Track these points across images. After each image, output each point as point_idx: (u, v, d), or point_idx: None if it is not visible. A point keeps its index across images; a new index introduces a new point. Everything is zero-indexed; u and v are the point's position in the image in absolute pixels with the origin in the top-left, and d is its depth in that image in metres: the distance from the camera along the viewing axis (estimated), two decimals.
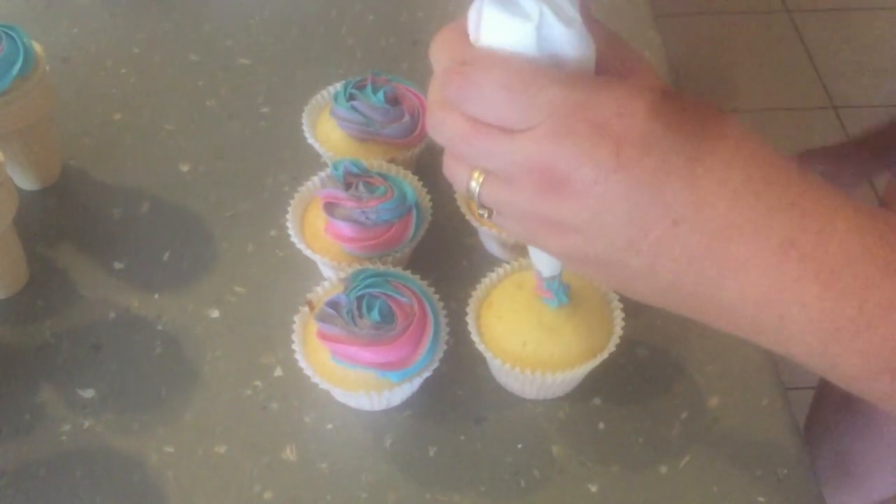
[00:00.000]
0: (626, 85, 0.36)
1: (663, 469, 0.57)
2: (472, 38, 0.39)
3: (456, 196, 0.66)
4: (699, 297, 0.37)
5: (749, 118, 2.02)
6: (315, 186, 0.66)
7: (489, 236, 0.65)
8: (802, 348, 0.36)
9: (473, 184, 0.39)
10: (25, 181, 0.71)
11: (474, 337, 0.57)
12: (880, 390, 0.35)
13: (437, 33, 0.39)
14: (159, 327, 0.64)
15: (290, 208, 0.64)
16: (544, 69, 0.36)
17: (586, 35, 0.37)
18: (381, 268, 0.59)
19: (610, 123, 0.35)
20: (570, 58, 0.37)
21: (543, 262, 0.52)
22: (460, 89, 0.37)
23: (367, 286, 0.56)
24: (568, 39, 0.37)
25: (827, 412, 1.05)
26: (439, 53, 0.39)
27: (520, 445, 0.58)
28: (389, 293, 0.56)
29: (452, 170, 0.40)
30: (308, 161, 0.72)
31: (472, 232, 0.68)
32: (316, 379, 0.56)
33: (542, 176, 0.36)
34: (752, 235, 0.34)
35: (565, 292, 0.55)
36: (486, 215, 0.41)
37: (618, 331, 0.58)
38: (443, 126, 0.39)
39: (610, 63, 0.38)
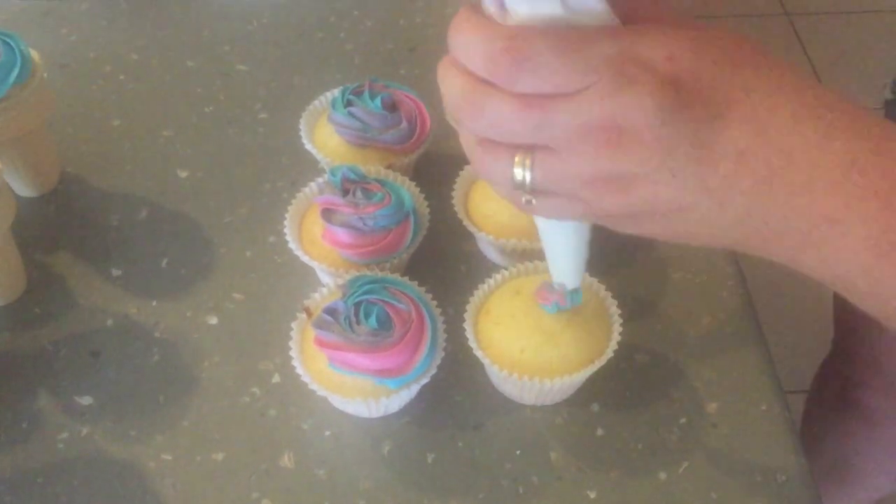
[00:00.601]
0: (664, 28, 0.36)
1: (662, 475, 0.57)
2: (497, 18, 0.38)
3: (454, 202, 0.66)
4: (768, 225, 0.38)
5: None
6: (312, 192, 0.66)
7: (487, 242, 0.65)
8: (855, 266, 0.37)
9: (518, 169, 0.39)
10: (23, 188, 0.71)
11: (472, 343, 0.57)
12: None
13: (455, 23, 0.38)
14: (157, 334, 0.64)
15: (287, 214, 0.64)
16: (586, 29, 0.36)
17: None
18: (378, 274, 0.59)
19: (663, 66, 0.35)
20: (597, 10, 0.37)
21: (569, 273, 0.52)
22: (513, 66, 0.36)
23: (364, 292, 0.56)
24: None
25: (823, 412, 1.05)
26: (469, 40, 0.38)
27: (518, 452, 0.58)
28: (387, 299, 0.56)
29: (489, 163, 0.39)
30: (306, 167, 0.72)
31: (470, 238, 0.68)
32: (313, 386, 0.56)
33: (605, 132, 0.36)
34: (816, 156, 0.35)
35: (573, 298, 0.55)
36: (532, 201, 0.40)
37: (616, 336, 0.58)
38: (483, 111, 0.38)
39: (637, 9, 0.38)
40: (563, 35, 0.36)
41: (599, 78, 0.36)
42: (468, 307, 0.59)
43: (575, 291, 0.54)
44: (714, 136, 0.36)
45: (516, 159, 0.39)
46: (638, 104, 0.35)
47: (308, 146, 0.69)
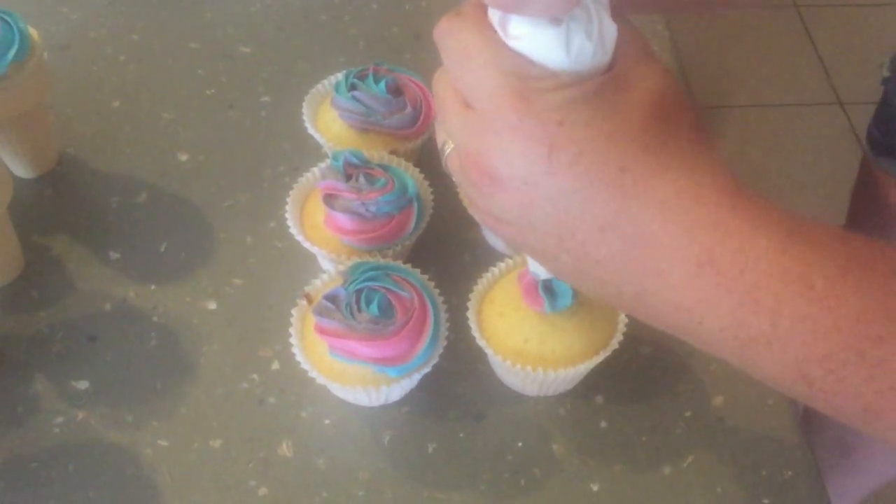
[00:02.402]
0: (582, 88, 0.36)
1: (667, 469, 0.56)
2: (498, 29, 0.38)
3: (458, 189, 0.65)
4: (624, 296, 0.38)
5: (755, 113, 2.01)
6: (315, 177, 0.65)
7: (490, 233, 0.64)
8: (722, 353, 0.37)
9: (446, 148, 0.41)
10: (21, 169, 0.70)
11: (475, 333, 0.56)
12: (799, 393, 0.36)
13: (454, 17, 0.39)
14: (155, 319, 0.63)
15: (289, 199, 0.63)
16: (512, 52, 0.37)
17: (609, 51, 0.38)
18: (380, 261, 0.58)
19: (549, 127, 0.35)
20: (595, 67, 0.37)
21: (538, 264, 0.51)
22: (439, 35, 0.39)
23: (366, 279, 0.55)
24: (590, 51, 0.37)
25: None
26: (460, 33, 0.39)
27: (520, 443, 0.57)
28: (389, 287, 0.55)
29: (436, 127, 0.42)
30: (308, 152, 0.71)
31: (475, 226, 0.67)
32: (313, 374, 0.55)
33: (477, 163, 0.37)
34: (671, 248, 0.35)
35: (563, 296, 0.54)
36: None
37: (621, 328, 0.57)
38: (436, 80, 0.41)
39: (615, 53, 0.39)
40: (481, 42, 0.37)
41: (487, 105, 0.37)
42: (471, 296, 0.58)
43: (555, 292, 0.54)
44: (577, 207, 0.36)
45: (448, 140, 0.41)
46: (506, 153, 0.36)
47: (311, 130, 0.68)
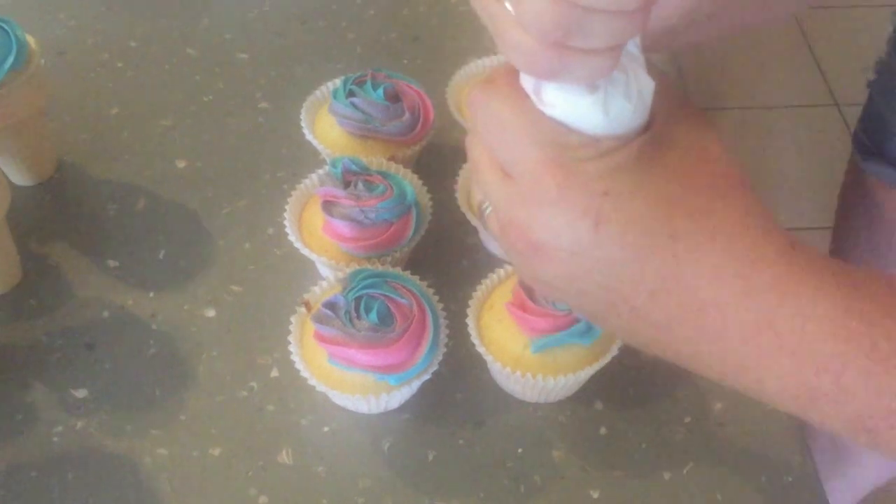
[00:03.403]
0: (623, 154, 0.35)
1: (666, 475, 0.56)
2: (532, 96, 0.37)
3: (457, 195, 0.65)
4: (680, 354, 0.38)
5: (751, 115, 2.01)
6: (313, 184, 0.65)
7: (491, 237, 0.64)
8: (784, 408, 0.37)
9: (485, 205, 0.40)
10: (19, 176, 0.70)
11: (474, 339, 0.56)
12: (860, 442, 0.36)
13: (487, 86, 0.38)
14: (154, 326, 0.63)
15: (287, 206, 0.63)
16: (548, 120, 0.35)
17: (648, 106, 0.36)
18: (379, 268, 0.58)
19: (593, 198, 0.35)
20: (632, 128, 0.36)
21: None
22: (472, 106, 0.38)
23: (365, 287, 0.55)
24: (628, 112, 0.35)
25: None
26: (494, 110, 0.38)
27: (520, 450, 0.57)
28: (388, 294, 0.55)
29: (473, 186, 0.41)
30: (307, 158, 0.71)
31: (473, 232, 0.67)
32: (313, 381, 0.55)
33: (522, 234, 0.36)
34: (729, 311, 0.35)
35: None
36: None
37: None
38: (469, 143, 0.39)
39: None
40: (519, 113, 0.36)
41: (527, 177, 0.36)
42: (471, 303, 0.58)
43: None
44: (628, 276, 0.35)
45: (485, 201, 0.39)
46: (552, 226, 0.35)
47: (309, 137, 0.68)
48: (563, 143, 0.35)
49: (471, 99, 0.38)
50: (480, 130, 0.38)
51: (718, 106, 2.03)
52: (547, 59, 0.33)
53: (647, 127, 0.36)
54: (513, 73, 0.37)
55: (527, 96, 0.36)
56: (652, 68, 0.36)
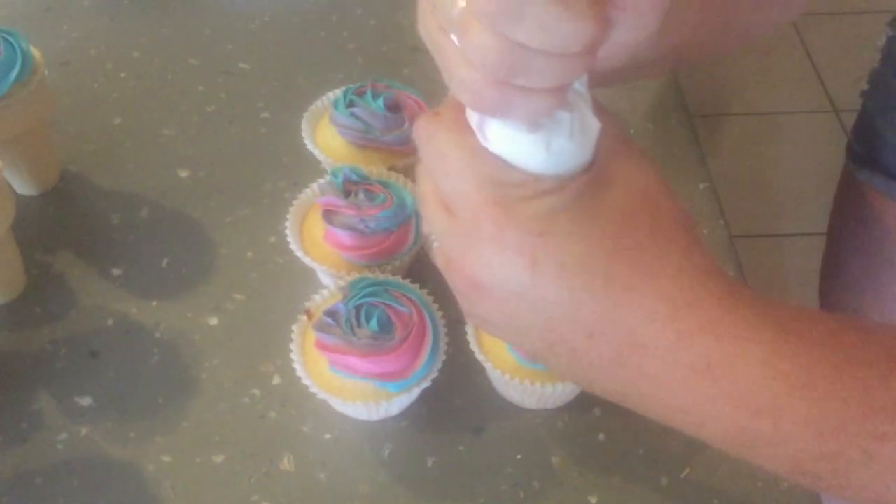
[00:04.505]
0: (562, 195, 0.35)
1: (664, 480, 0.57)
2: (476, 132, 0.36)
3: None
4: (620, 395, 0.38)
5: (750, 122, 2.02)
6: (314, 193, 0.65)
7: None
8: (727, 450, 0.37)
9: (432, 238, 0.40)
10: (24, 186, 0.71)
11: (473, 347, 0.57)
12: (807, 486, 0.36)
13: (432, 118, 0.38)
14: (157, 335, 0.63)
15: (289, 215, 0.64)
16: (490, 157, 0.35)
17: (592, 145, 0.36)
18: (380, 276, 0.59)
19: (530, 238, 0.34)
20: (577, 167, 0.36)
21: None
22: (417, 137, 0.38)
23: (365, 295, 0.55)
24: (571, 152, 0.35)
25: None
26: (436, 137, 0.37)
27: (519, 456, 0.58)
28: (388, 302, 0.55)
29: (422, 219, 0.41)
30: (308, 167, 0.72)
31: None
32: (314, 389, 0.55)
33: (461, 271, 0.36)
34: (665, 354, 0.35)
35: None
36: None
37: None
38: (418, 175, 0.40)
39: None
40: (456, 147, 0.36)
41: (475, 218, 0.35)
42: None
43: None
44: (564, 317, 0.35)
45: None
46: (488, 265, 0.35)
47: (310, 146, 0.69)
48: (502, 181, 0.35)
49: (416, 129, 0.38)
50: (424, 163, 0.38)
51: (717, 112, 2.04)
52: (491, 95, 0.32)
53: (589, 166, 0.36)
54: (459, 107, 0.36)
55: (471, 131, 0.36)
56: (598, 106, 0.36)
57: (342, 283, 0.58)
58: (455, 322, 0.60)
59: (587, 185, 0.35)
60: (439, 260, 0.39)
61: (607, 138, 0.36)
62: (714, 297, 0.35)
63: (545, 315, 0.35)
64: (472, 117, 0.36)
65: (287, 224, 0.63)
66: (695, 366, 0.34)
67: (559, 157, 0.35)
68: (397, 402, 0.56)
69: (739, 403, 0.34)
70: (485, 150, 0.35)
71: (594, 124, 0.35)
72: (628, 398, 0.38)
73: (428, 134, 0.37)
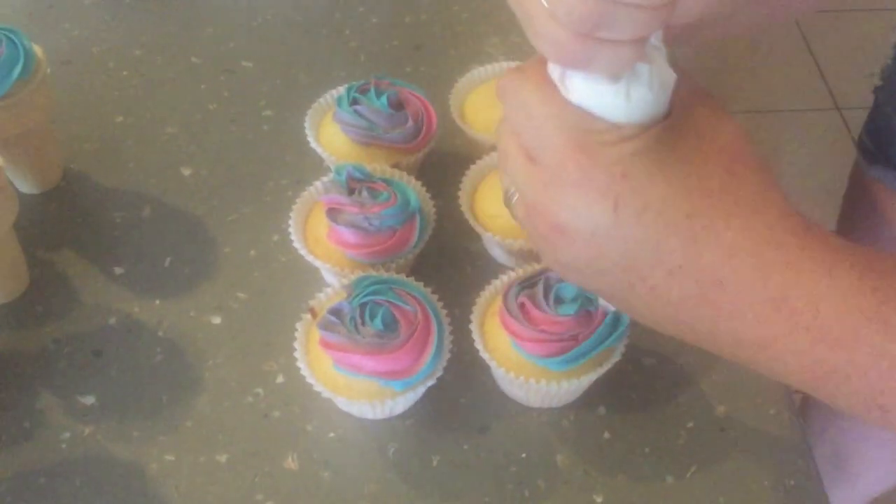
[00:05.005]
0: (643, 139, 0.36)
1: (669, 479, 0.56)
2: (559, 85, 0.38)
3: (460, 202, 0.66)
4: (697, 332, 0.39)
5: (753, 120, 2.01)
6: (318, 191, 0.65)
7: (494, 243, 0.64)
8: (799, 384, 0.38)
9: (511, 194, 0.41)
10: (26, 185, 0.71)
11: (478, 345, 0.57)
12: (872, 420, 0.37)
13: (516, 74, 0.40)
14: (160, 333, 0.63)
15: (292, 213, 0.64)
16: (573, 107, 0.37)
17: (669, 97, 0.38)
18: (384, 274, 0.59)
19: (613, 180, 0.36)
20: (655, 113, 0.37)
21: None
22: (502, 93, 0.40)
23: (370, 293, 0.55)
24: (650, 101, 0.37)
25: (822, 408, 1.05)
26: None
27: (524, 455, 0.57)
28: (393, 300, 0.55)
29: (500, 174, 0.42)
30: (311, 165, 0.71)
31: (477, 238, 0.67)
32: (318, 387, 0.55)
33: (544, 216, 0.38)
34: (745, 289, 0.36)
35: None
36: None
37: (624, 339, 0.57)
38: (498, 131, 0.41)
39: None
40: (542, 99, 0.38)
41: (549, 162, 0.37)
42: (474, 308, 0.59)
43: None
44: (646, 255, 0.37)
45: (511, 187, 0.41)
46: (572, 207, 0.37)
47: (313, 144, 0.69)
48: (585, 129, 0.37)
49: (500, 86, 0.40)
50: (509, 116, 0.40)
51: None
52: (575, 49, 0.34)
53: (667, 116, 0.38)
54: (542, 63, 0.38)
55: (554, 85, 0.38)
56: (674, 62, 0.38)
57: (346, 281, 0.58)
58: (460, 319, 0.60)
59: (666, 131, 0.37)
60: (519, 211, 0.40)
61: (685, 92, 0.38)
62: (792, 234, 0.36)
63: (627, 255, 0.37)
64: (555, 71, 0.38)
65: (290, 222, 0.63)
66: (774, 300, 0.35)
67: (639, 105, 0.36)
68: (402, 401, 0.56)
69: (816, 337, 0.35)
70: (567, 101, 0.37)
71: (671, 76, 0.37)
72: (704, 336, 0.39)
73: (513, 89, 0.39)
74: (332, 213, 0.61)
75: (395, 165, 0.66)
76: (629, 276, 0.37)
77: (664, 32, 0.38)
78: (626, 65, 0.36)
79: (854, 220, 0.87)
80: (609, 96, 0.36)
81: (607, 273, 0.38)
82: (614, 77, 0.36)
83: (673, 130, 0.37)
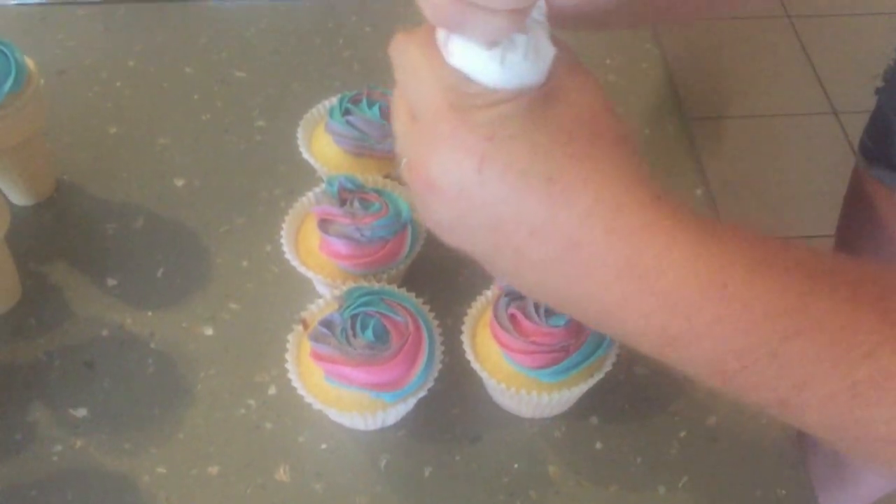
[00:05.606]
0: (514, 104, 0.38)
1: (661, 489, 0.56)
2: (441, 48, 0.40)
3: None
4: (559, 296, 0.41)
5: (749, 124, 2.02)
6: (310, 202, 0.65)
7: None
8: (647, 350, 0.39)
9: (402, 159, 0.43)
10: (18, 196, 0.71)
11: (469, 356, 0.57)
12: (718, 386, 0.39)
13: (406, 35, 0.42)
14: (152, 345, 0.63)
15: (284, 224, 0.64)
16: (452, 70, 0.39)
17: (546, 69, 0.39)
18: (375, 285, 0.59)
19: (480, 140, 0.38)
20: (524, 85, 0.39)
21: None
22: (392, 51, 0.42)
23: (361, 304, 0.55)
24: (524, 69, 0.39)
25: None
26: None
27: (516, 465, 0.57)
28: (384, 312, 0.55)
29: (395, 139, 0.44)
30: (303, 176, 0.71)
31: None
32: (309, 399, 0.55)
33: (419, 172, 0.40)
34: (595, 253, 0.38)
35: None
36: None
37: (615, 349, 0.57)
38: (393, 95, 0.43)
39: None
40: (423, 61, 0.40)
41: (426, 120, 0.39)
42: (466, 319, 0.59)
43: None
44: (508, 214, 0.38)
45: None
46: (441, 163, 0.38)
47: (305, 155, 0.69)
48: (461, 91, 0.39)
49: (392, 45, 0.42)
50: (397, 77, 0.42)
51: (716, 115, 2.03)
52: (451, 11, 0.36)
53: (542, 87, 0.40)
54: (431, 28, 0.40)
55: (438, 47, 0.40)
56: (555, 38, 0.40)
57: (338, 292, 0.58)
58: (451, 329, 0.60)
59: (538, 99, 0.39)
60: (404, 168, 0.42)
61: (561, 64, 0.40)
62: (642, 202, 0.38)
63: (491, 214, 0.38)
64: (440, 35, 0.40)
65: (282, 233, 0.63)
66: (622, 265, 0.37)
67: (512, 72, 0.38)
68: (393, 412, 0.56)
69: (659, 302, 0.37)
70: (448, 64, 0.39)
71: (549, 50, 0.39)
72: (567, 301, 0.40)
73: (401, 50, 0.41)
74: (324, 223, 0.61)
75: (388, 176, 0.67)
76: (495, 236, 0.39)
77: (557, 20, 0.40)
78: (500, 33, 0.38)
79: (854, 221, 0.87)
80: (484, 61, 0.38)
81: (476, 232, 0.40)
82: (491, 44, 0.38)
83: (544, 99, 0.39)
